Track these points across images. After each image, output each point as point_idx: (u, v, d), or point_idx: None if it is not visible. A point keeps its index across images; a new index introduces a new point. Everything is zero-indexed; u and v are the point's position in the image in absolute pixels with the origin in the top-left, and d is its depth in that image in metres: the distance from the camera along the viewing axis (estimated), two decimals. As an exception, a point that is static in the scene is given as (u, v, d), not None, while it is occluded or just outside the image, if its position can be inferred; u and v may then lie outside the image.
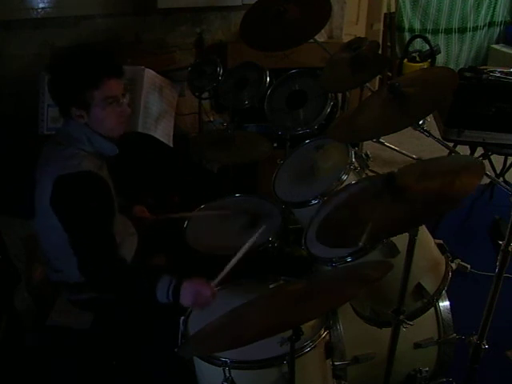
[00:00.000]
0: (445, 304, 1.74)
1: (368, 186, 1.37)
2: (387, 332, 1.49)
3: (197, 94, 2.47)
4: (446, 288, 1.54)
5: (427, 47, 4.86)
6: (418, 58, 4.88)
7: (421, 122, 1.36)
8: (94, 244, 1.53)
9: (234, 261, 1.54)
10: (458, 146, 2.72)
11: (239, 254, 1.55)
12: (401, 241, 1.39)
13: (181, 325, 1.44)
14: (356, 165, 1.73)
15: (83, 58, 1.60)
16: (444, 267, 1.57)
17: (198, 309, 1.50)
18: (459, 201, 1.10)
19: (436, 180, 1.19)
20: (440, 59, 5.11)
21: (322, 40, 2.92)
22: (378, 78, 4.10)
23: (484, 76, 2.60)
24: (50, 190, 1.55)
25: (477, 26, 5.17)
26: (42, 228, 1.68)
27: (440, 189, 1.14)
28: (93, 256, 1.53)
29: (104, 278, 1.55)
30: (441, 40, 5.16)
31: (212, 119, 2.83)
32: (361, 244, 1.16)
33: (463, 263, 2.58)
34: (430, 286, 1.50)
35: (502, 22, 5.28)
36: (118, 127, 1.66)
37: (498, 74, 2.61)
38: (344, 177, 1.70)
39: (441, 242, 1.67)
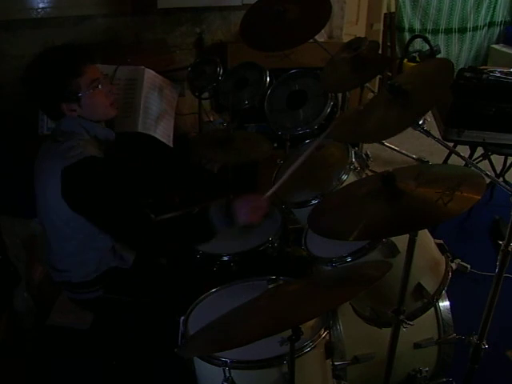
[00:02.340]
0: (445, 304, 1.74)
1: (367, 183, 1.37)
2: (387, 332, 1.49)
3: (197, 93, 2.46)
4: (445, 288, 1.55)
5: (427, 47, 4.84)
6: (418, 58, 4.87)
7: (421, 122, 1.36)
8: (125, 214, 1.57)
9: (289, 171, 1.61)
10: (458, 145, 2.72)
11: (296, 165, 1.61)
12: (401, 241, 1.39)
13: (181, 325, 1.44)
14: (356, 165, 1.73)
15: (56, 55, 1.64)
16: (444, 267, 1.57)
17: (256, 221, 1.57)
18: (457, 214, 1.09)
19: (434, 188, 1.18)
20: (440, 59, 5.11)
21: (321, 40, 2.93)
22: (378, 77, 4.10)
23: (484, 76, 2.60)
24: (58, 184, 1.55)
25: (477, 26, 5.16)
26: (49, 227, 1.68)
27: (439, 198, 1.13)
28: (129, 226, 1.57)
29: (149, 236, 1.59)
30: (441, 40, 5.16)
31: (212, 119, 2.82)
32: (351, 239, 1.17)
33: (463, 263, 2.58)
34: (430, 286, 1.51)
35: (501, 22, 5.28)
36: (111, 108, 1.71)
37: (498, 74, 2.61)
38: (344, 177, 1.69)
39: (441, 241, 1.68)
